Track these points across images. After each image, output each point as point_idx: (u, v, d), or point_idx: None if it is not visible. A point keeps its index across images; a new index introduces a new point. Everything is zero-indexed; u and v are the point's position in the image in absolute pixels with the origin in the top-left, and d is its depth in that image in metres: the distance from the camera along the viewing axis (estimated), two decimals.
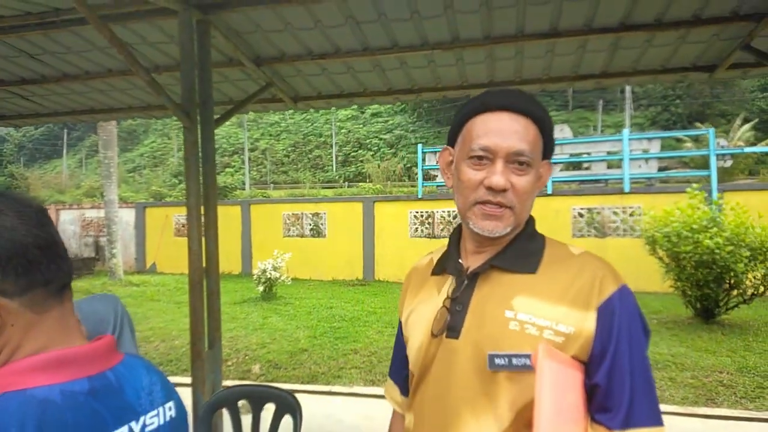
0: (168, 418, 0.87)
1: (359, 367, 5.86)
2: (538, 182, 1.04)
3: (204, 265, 3.29)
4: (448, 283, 1.07)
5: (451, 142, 1.09)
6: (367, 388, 5.22)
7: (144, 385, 0.85)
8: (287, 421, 2.24)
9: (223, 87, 4.30)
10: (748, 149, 13.11)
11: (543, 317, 0.94)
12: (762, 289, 7.02)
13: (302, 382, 5.45)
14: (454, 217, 12.25)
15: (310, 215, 13.62)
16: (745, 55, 3.45)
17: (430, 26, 3.35)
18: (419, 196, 12.70)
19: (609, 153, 11.43)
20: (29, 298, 0.75)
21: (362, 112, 42.33)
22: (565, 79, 4.18)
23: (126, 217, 15.11)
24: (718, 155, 10.71)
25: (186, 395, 3.26)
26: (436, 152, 13.22)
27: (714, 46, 3.53)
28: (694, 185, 8.00)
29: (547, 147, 1.05)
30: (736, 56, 3.51)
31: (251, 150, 41.35)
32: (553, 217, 11.18)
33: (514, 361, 0.92)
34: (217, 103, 4.32)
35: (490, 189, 0.98)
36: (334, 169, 39.19)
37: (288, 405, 2.27)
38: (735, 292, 7.21)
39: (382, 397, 4.80)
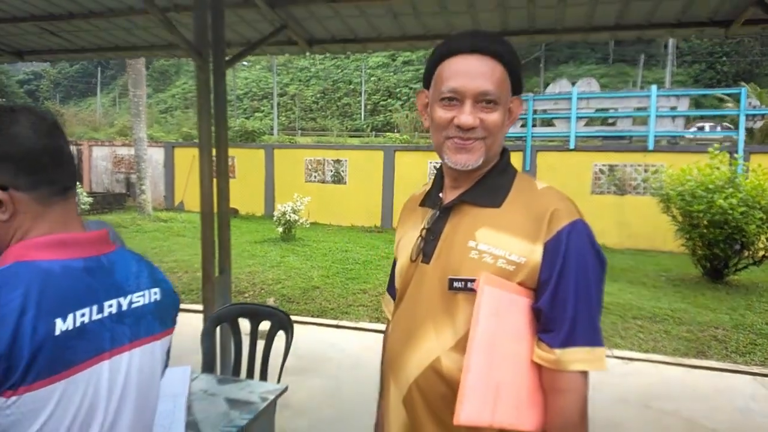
0: (152, 301, 1.07)
1: (366, 305, 6.18)
2: (509, 117, 1.13)
3: (215, 199, 3.52)
4: (429, 215, 1.19)
5: (426, 84, 1.16)
6: (372, 324, 5.53)
7: (132, 271, 1.05)
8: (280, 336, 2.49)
9: (239, 28, 4.40)
10: None
11: (499, 247, 1.05)
12: None
13: (312, 316, 5.79)
14: None
15: (332, 162, 13.81)
16: (759, 11, 3.39)
17: None
18: None
19: (637, 109, 11.16)
20: (37, 193, 0.94)
21: (393, 60, 41.54)
22: (578, 30, 4.14)
23: (155, 155, 15.56)
24: (748, 116, 10.38)
25: (201, 320, 3.58)
26: None
27: (728, 0, 3.47)
28: (716, 145, 7.86)
29: (515, 84, 1.12)
30: (750, 12, 3.45)
31: (280, 95, 41.28)
32: (574, 172, 11.10)
33: (470, 285, 1.05)
34: (233, 44, 4.45)
35: (459, 128, 1.07)
36: (362, 118, 38.99)
37: (281, 322, 2.53)
38: (745, 254, 7.21)
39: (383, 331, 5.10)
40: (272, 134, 31.23)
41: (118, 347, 0.98)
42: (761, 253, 7.12)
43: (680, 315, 6.00)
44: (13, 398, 0.82)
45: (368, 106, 40.45)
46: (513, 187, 1.13)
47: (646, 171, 10.96)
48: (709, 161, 7.45)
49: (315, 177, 13.96)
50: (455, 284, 1.06)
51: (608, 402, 3.86)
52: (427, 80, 1.16)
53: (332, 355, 4.58)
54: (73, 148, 17.68)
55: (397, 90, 40.05)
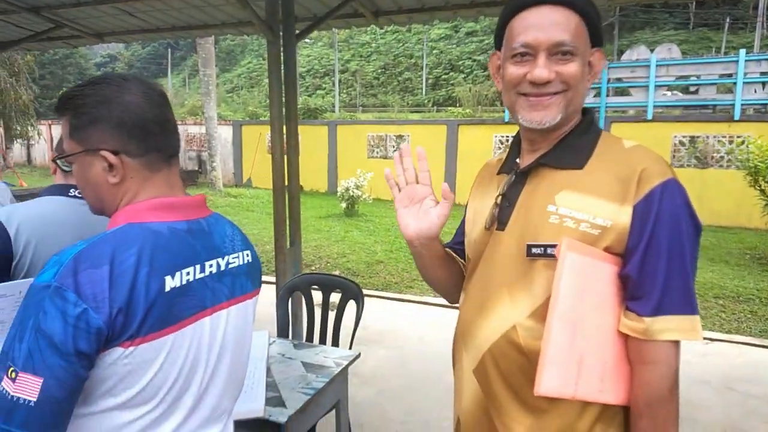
0: (245, 262, 1.12)
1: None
2: (591, 71, 1.06)
3: (286, 172, 3.60)
4: (504, 181, 1.13)
5: (498, 45, 1.10)
6: (436, 299, 5.53)
7: (227, 234, 1.10)
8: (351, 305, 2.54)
9: (306, 2, 4.42)
10: None
11: (582, 211, 0.98)
12: None
13: (377, 289, 5.87)
14: None
15: (394, 137, 13.78)
16: None
17: None
18: (506, 120, 12.37)
19: (722, 76, 10.35)
20: (146, 160, 1.00)
21: (456, 32, 40.57)
22: None
23: (224, 134, 16.12)
24: None
25: (273, 290, 3.71)
26: None
27: None
28: None
29: (594, 35, 1.04)
30: None
31: (341, 72, 41.45)
32: (651, 144, 10.06)
33: (549, 250, 0.99)
34: (300, 19, 4.48)
35: (534, 83, 1.01)
36: (424, 93, 38.51)
37: (352, 292, 2.57)
38: None
39: (448, 307, 5.10)
40: (334, 111, 31.51)
41: (218, 304, 1.02)
42: None
43: (767, 295, 5.61)
44: (131, 348, 0.88)
45: (430, 81, 39.86)
46: (597, 146, 1.05)
47: (730, 142, 10.19)
48: None
49: (377, 153, 14.00)
50: (534, 250, 1.01)
51: (688, 383, 3.67)
52: (498, 41, 1.10)
53: (397, 328, 4.64)
54: None
55: (460, 63, 39.13)
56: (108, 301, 0.84)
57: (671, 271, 0.94)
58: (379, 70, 42.43)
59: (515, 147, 1.16)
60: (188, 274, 0.97)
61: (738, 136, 10.01)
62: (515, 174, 1.11)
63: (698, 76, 10.57)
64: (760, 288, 5.84)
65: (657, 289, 0.94)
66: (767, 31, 29.13)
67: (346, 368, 2.12)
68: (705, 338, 4.56)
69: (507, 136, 12.27)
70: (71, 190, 1.60)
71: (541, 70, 0.99)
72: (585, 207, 0.98)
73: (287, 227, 3.59)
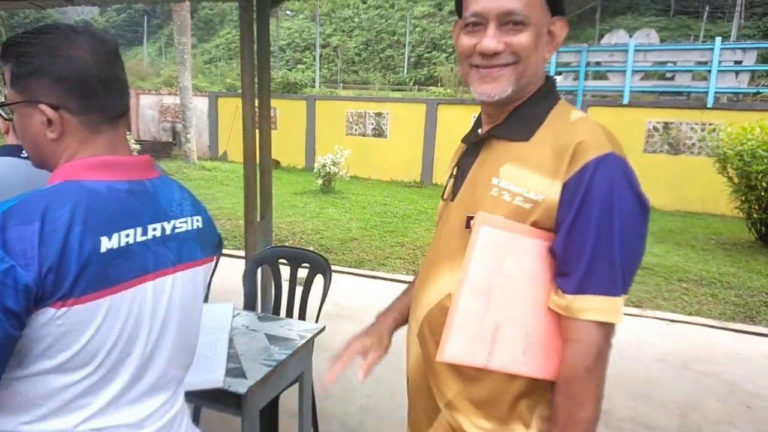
0: (194, 227, 1.09)
1: (404, 258, 6.22)
2: (551, 41, 1.04)
3: (257, 147, 3.54)
4: (461, 153, 1.15)
5: (459, 14, 1.06)
6: (408, 276, 5.57)
7: (176, 198, 1.07)
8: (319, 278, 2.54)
9: None
10: None
11: (519, 184, 0.97)
12: None
13: (350, 266, 5.88)
14: None
15: (373, 114, 13.67)
16: None
17: None
18: None
19: (698, 63, 10.49)
20: (87, 119, 0.96)
21: (440, 9, 40.15)
22: None
23: (200, 105, 15.77)
24: None
25: (242, 263, 3.67)
26: None
27: None
28: None
29: (555, 3, 1.01)
30: None
31: (323, 46, 40.74)
32: (626, 129, 10.60)
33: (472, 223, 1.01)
34: None
35: (483, 54, 0.99)
36: (405, 71, 38.17)
37: (320, 265, 2.57)
38: None
39: None
40: (314, 86, 31.08)
41: (162, 269, 1.00)
42: None
43: (729, 279, 5.79)
44: (63, 309, 0.85)
45: (412, 59, 39.51)
46: (548, 118, 1.02)
47: (702, 129, 10.39)
48: None
49: (356, 130, 13.89)
50: (471, 222, 1.01)
51: (646, 361, 3.81)
52: (458, 9, 1.06)
53: (368, 304, 4.66)
54: None
55: (443, 42, 38.84)
56: (37, 259, 0.82)
57: (597, 249, 0.92)
58: (361, 46, 41.85)
59: (479, 118, 1.15)
60: (128, 236, 0.94)
61: (710, 124, 10.21)
62: (468, 145, 1.12)
63: (675, 63, 10.70)
64: (722, 272, 6.02)
65: (581, 268, 0.92)
66: (744, 21, 29.53)
67: (310, 341, 2.12)
68: (667, 319, 4.70)
69: None
70: (23, 152, 1.55)
71: (489, 40, 0.97)
72: (523, 180, 0.97)
73: (258, 200, 3.56)
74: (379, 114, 13.61)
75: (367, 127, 13.73)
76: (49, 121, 0.94)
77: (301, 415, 2.20)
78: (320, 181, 10.39)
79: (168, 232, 1.02)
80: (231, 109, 15.08)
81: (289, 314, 2.62)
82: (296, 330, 2.15)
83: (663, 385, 3.48)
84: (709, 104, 10.17)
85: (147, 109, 17.41)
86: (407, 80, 36.57)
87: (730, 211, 8.54)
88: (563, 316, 0.95)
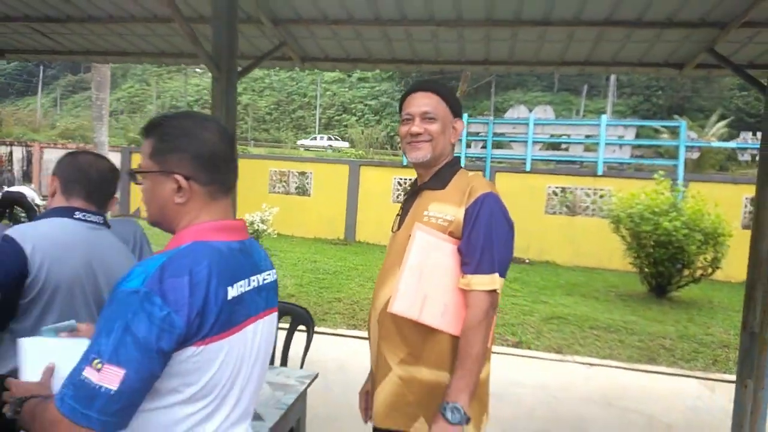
0: (273, 279, 1.31)
1: (342, 313, 6.38)
2: (454, 132, 1.68)
3: None
4: (404, 201, 1.78)
5: (400, 113, 1.73)
6: (349, 330, 5.74)
7: (262, 255, 1.28)
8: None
9: (244, 44, 4.58)
10: (715, 144, 13.88)
11: (440, 212, 1.58)
12: (710, 270, 7.75)
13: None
14: None
15: (297, 174, 13.92)
16: (709, 57, 3.90)
17: (438, 4, 3.70)
18: (404, 163, 13.10)
19: (587, 136, 11.98)
20: (209, 189, 1.16)
21: (349, 76, 41.92)
22: (552, 63, 4.58)
23: (113, 161, 15.15)
24: (687, 147, 11.41)
25: None
26: None
27: (684, 46, 3.98)
28: (661, 172, 8.62)
29: (454, 110, 1.68)
30: (701, 57, 3.97)
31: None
32: (530, 193, 11.72)
33: None
34: (239, 58, 4.63)
35: (412, 134, 1.64)
36: (317, 131, 39.05)
37: (302, 317, 2.74)
38: (686, 272, 7.92)
39: (363, 338, 5.32)
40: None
41: (256, 315, 1.19)
42: (699, 272, 7.85)
43: (631, 326, 6.54)
44: (201, 347, 1.03)
45: (323, 120, 40.59)
46: (455, 177, 1.65)
47: (595, 194, 11.73)
48: (655, 187, 8.16)
49: (279, 188, 14.01)
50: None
51: (575, 401, 4.24)
52: (400, 111, 1.73)
53: (316, 359, 4.75)
54: (22, 150, 16.94)
55: (352, 105, 40.44)
56: (187, 306, 1.00)
57: (484, 248, 1.51)
58: (272, 106, 42.35)
59: (415, 180, 1.78)
60: (241, 286, 1.14)
61: (601, 189, 11.57)
62: (408, 196, 1.77)
63: (568, 135, 12.14)
64: (625, 320, 6.79)
65: (475, 258, 1.51)
66: (616, 99, 33.87)
67: (308, 386, 2.28)
68: (586, 363, 5.23)
69: (405, 179, 13.00)
70: (75, 213, 1.66)
71: (415, 127, 1.64)
72: (442, 210, 1.58)
73: None
74: (302, 173, 13.88)
75: (291, 185, 13.92)
76: (179, 188, 1.14)
77: None
78: None
79: (260, 283, 1.22)
80: None
81: (281, 363, 2.74)
82: (293, 377, 2.31)
83: (593, 420, 3.90)
84: (599, 172, 11.59)
85: (51, 163, 16.34)
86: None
87: (622, 266, 9.63)
88: (465, 290, 1.52)
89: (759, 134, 12.58)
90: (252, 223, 10.15)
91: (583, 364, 5.20)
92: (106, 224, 1.76)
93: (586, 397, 4.32)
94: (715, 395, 4.58)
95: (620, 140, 11.73)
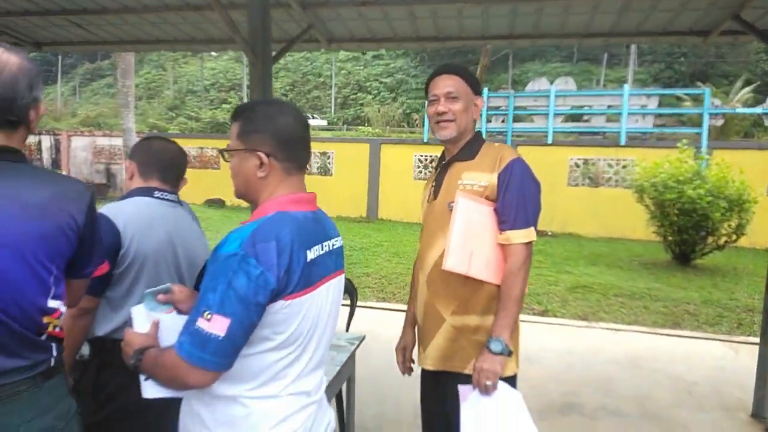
0: (340, 245, 1.48)
1: (372, 287, 6.61)
2: (474, 108, 1.90)
3: None
4: (435, 173, 2.00)
5: (427, 96, 1.95)
6: (379, 303, 5.96)
7: (330, 223, 1.46)
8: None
9: (274, 29, 4.70)
10: (740, 110, 13.63)
11: (474, 180, 1.81)
12: (734, 237, 7.77)
13: None
14: None
15: (319, 154, 14.11)
16: (734, 24, 3.93)
17: None
18: (425, 140, 13.19)
19: (609, 107, 11.90)
20: (285, 165, 1.33)
21: (363, 54, 41.66)
22: (577, 35, 4.63)
23: None
24: (711, 114, 11.28)
25: None
26: None
27: (709, 14, 4.01)
28: (684, 141, 8.59)
29: (474, 88, 1.89)
30: (726, 24, 4.00)
31: (249, 87, 40.85)
32: (551, 166, 11.73)
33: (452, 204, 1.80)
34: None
35: (438, 114, 1.86)
36: (333, 111, 39.01)
37: (346, 287, 2.92)
38: (710, 239, 7.96)
39: (391, 310, 5.55)
40: None
41: (329, 276, 1.37)
42: (723, 239, 7.87)
43: (655, 293, 6.66)
44: (288, 302, 1.22)
45: (338, 100, 40.52)
46: (482, 148, 1.88)
47: (617, 165, 11.70)
48: (678, 155, 8.15)
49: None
50: (451, 204, 1.80)
51: (602, 364, 4.41)
52: (426, 93, 1.96)
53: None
54: (50, 138, 17.40)
55: (368, 84, 40.14)
56: (277, 266, 1.19)
57: (518, 206, 1.75)
58: (287, 87, 42.31)
59: (442, 156, 2.01)
60: (316, 250, 1.32)
61: (623, 160, 11.54)
62: (440, 168, 1.96)
63: (590, 106, 12.07)
64: (649, 288, 6.90)
65: (510, 217, 1.76)
66: (637, 67, 33.15)
67: (357, 347, 2.49)
68: (612, 329, 5.39)
69: (426, 155, 13.08)
70: (155, 192, 1.87)
71: (441, 106, 1.85)
72: (476, 177, 1.81)
73: None
74: (324, 153, 14.06)
75: (313, 165, 14.12)
76: (261, 164, 1.31)
77: (348, 406, 2.54)
78: None
79: (330, 248, 1.40)
80: None
81: None
82: (343, 339, 2.52)
83: (620, 381, 4.07)
84: (622, 142, 11.54)
85: (79, 151, 16.80)
86: (335, 120, 37.37)
87: (645, 236, 9.67)
88: (505, 245, 1.77)
89: None
90: None
91: (608, 329, 5.35)
92: (179, 202, 1.97)
93: (612, 360, 4.49)
94: (739, 356, 4.71)
95: (643, 110, 11.64)
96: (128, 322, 1.46)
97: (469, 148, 1.87)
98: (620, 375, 4.18)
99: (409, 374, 2.07)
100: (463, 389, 1.74)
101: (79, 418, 1.37)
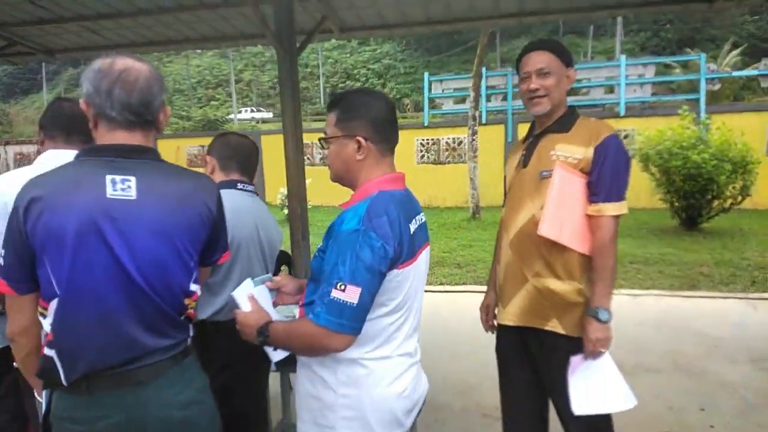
0: (424, 220, 1.60)
1: None
2: (566, 81, 1.92)
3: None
4: (527, 142, 2.03)
5: (518, 72, 1.99)
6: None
7: (417, 201, 1.58)
8: None
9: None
10: (736, 73, 13.76)
11: (568, 152, 1.85)
12: (740, 199, 7.96)
13: None
14: (459, 144, 12.90)
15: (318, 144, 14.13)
16: None
17: None
18: (425, 124, 13.26)
19: (607, 78, 11.99)
20: (380, 147, 1.45)
21: (348, 41, 41.44)
22: (586, 9, 4.69)
23: None
24: (707, 79, 11.41)
25: None
26: (442, 81, 13.62)
27: None
28: (685, 107, 8.73)
29: (566, 61, 1.92)
30: None
31: (236, 82, 40.62)
32: None
33: (546, 173, 1.86)
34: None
35: (531, 91, 1.90)
36: (322, 102, 38.86)
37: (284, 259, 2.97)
38: (716, 203, 8.14)
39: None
40: (233, 122, 30.99)
41: (421, 247, 1.50)
42: (729, 201, 8.06)
43: (668, 258, 6.84)
44: (401, 270, 1.36)
45: (327, 89, 40.32)
46: (577, 121, 1.92)
47: (619, 135, 11.79)
48: (680, 122, 8.30)
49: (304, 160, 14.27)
50: (543, 173, 1.88)
51: (627, 327, 4.56)
52: (517, 69, 2.00)
53: None
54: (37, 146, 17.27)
55: (355, 71, 39.95)
56: (392, 238, 1.31)
57: (612, 180, 1.80)
58: (275, 80, 42.02)
59: (532, 127, 2.05)
60: (414, 223, 1.46)
61: (624, 130, 11.68)
62: (531, 139, 2.00)
63: (589, 79, 12.17)
64: (662, 253, 7.09)
65: (604, 189, 1.80)
66: (624, 37, 33.18)
67: None
68: (631, 294, 5.56)
69: (427, 139, 13.16)
70: (238, 184, 1.99)
71: (532, 84, 1.90)
72: (570, 150, 1.85)
73: (300, 225, 3.98)
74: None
75: (315, 156, 14.18)
76: (359, 148, 1.43)
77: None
78: (286, 212, 10.65)
79: (420, 222, 1.53)
80: (171, 150, 14.94)
81: None
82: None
83: (649, 340, 4.24)
84: (622, 113, 11.66)
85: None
86: (325, 110, 37.16)
87: (650, 204, 9.84)
88: (595, 216, 1.82)
89: None
90: (286, 197, 10.45)
91: (628, 295, 5.52)
92: (255, 192, 2.09)
93: (637, 323, 4.65)
94: (758, 312, 4.90)
95: (641, 79, 11.75)
96: (229, 305, 1.58)
97: (565, 120, 1.91)
98: (649, 335, 4.35)
99: (493, 332, 2.18)
100: (574, 360, 1.84)
101: (210, 391, 1.50)
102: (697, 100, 11.20)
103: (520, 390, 2.08)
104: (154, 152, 1.34)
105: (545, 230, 1.81)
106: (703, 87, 11.04)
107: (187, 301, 1.37)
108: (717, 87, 12.32)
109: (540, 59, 1.89)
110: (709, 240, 7.84)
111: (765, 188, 9.25)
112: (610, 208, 1.80)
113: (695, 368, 3.70)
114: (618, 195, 1.80)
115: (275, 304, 1.60)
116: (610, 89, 12.22)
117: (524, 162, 1.96)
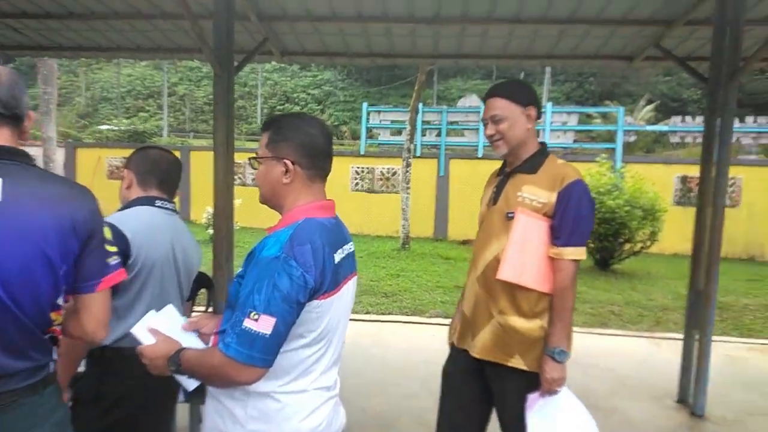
0: (352, 249, 1.57)
1: None
2: (525, 119, 1.96)
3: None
4: (497, 181, 2.09)
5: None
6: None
7: (345, 230, 1.55)
8: None
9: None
10: (650, 127, 15.01)
11: (534, 195, 1.92)
12: (649, 243, 8.55)
13: None
14: (393, 174, 13.06)
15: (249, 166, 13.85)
16: (655, 51, 4.44)
17: (419, 2, 3.99)
18: (362, 153, 13.36)
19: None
20: (309, 173, 1.42)
21: (290, 64, 41.21)
22: (519, 56, 5.00)
23: (56, 156, 14.51)
24: (624, 131, 12.33)
25: None
26: (380, 112, 13.85)
27: (634, 41, 4.50)
28: (603, 155, 9.35)
29: (521, 101, 1.96)
30: (649, 51, 4.51)
31: (169, 95, 39.35)
32: (481, 179, 11.99)
33: (512, 215, 1.94)
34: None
35: (487, 135, 2.03)
36: (259, 121, 38.32)
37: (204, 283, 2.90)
38: (627, 246, 8.70)
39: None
40: (161, 136, 29.84)
41: (347, 277, 1.47)
42: (639, 245, 8.64)
43: (583, 296, 7.18)
44: (321, 301, 1.32)
45: (265, 110, 39.86)
46: (544, 163, 1.98)
47: None
48: (598, 168, 8.86)
49: (235, 180, 13.90)
50: (509, 215, 1.95)
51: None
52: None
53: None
54: None
55: (295, 95, 39.80)
56: (313, 267, 1.28)
57: (573, 225, 1.88)
58: (210, 96, 40.90)
59: (504, 164, 2.12)
60: (340, 252, 1.43)
61: None
62: (502, 177, 2.07)
63: None
64: (578, 291, 7.40)
65: (564, 234, 1.88)
66: (551, 86, 35.35)
67: None
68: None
69: (363, 167, 13.24)
70: (156, 201, 1.88)
71: (488, 130, 2.01)
72: (536, 193, 1.91)
73: (223, 246, 3.84)
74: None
75: (247, 176, 13.86)
76: (286, 171, 1.40)
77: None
78: (211, 231, 10.28)
79: (346, 252, 1.50)
80: (92, 160, 14.12)
81: None
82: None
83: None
84: None
85: None
86: (261, 131, 36.62)
87: None
88: (556, 258, 1.89)
89: (687, 118, 13.67)
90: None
91: None
92: (175, 210, 1.98)
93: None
94: (661, 350, 5.21)
95: (565, 126, 12.52)
96: (129, 339, 1.46)
97: (532, 161, 1.96)
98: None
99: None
100: (531, 397, 1.90)
101: (71, 426, 1.38)
102: (614, 150, 12.04)
103: (464, 408, 2.14)
104: (27, 156, 1.25)
105: (504, 274, 1.89)
106: (620, 138, 11.92)
107: (53, 316, 1.26)
108: (633, 139, 13.34)
109: (493, 105, 1.98)
110: (620, 281, 8.33)
111: (670, 235, 9.98)
112: (570, 252, 1.87)
113: (603, 405, 3.85)
114: (578, 240, 1.88)
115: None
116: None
117: (494, 199, 2.03)
